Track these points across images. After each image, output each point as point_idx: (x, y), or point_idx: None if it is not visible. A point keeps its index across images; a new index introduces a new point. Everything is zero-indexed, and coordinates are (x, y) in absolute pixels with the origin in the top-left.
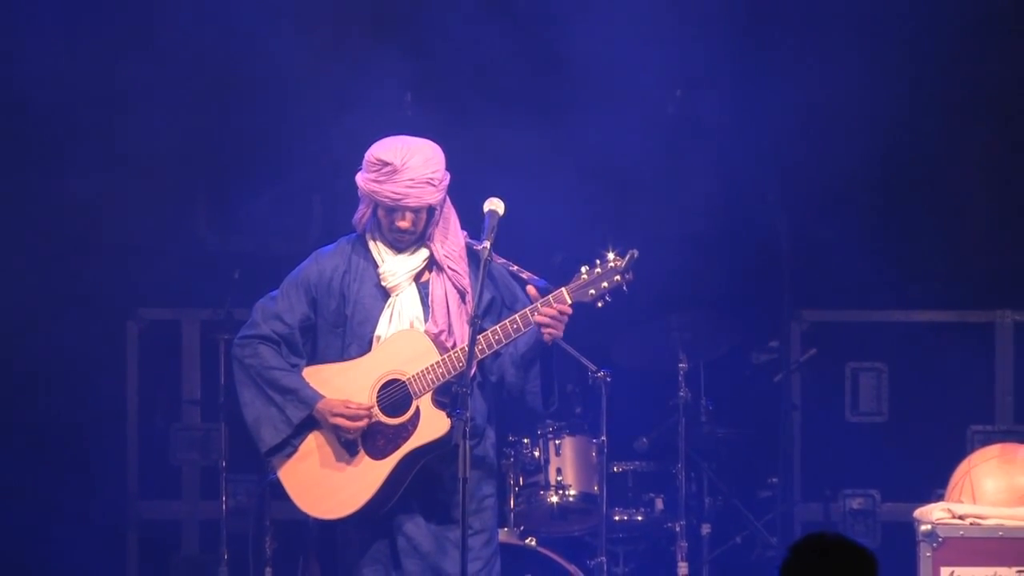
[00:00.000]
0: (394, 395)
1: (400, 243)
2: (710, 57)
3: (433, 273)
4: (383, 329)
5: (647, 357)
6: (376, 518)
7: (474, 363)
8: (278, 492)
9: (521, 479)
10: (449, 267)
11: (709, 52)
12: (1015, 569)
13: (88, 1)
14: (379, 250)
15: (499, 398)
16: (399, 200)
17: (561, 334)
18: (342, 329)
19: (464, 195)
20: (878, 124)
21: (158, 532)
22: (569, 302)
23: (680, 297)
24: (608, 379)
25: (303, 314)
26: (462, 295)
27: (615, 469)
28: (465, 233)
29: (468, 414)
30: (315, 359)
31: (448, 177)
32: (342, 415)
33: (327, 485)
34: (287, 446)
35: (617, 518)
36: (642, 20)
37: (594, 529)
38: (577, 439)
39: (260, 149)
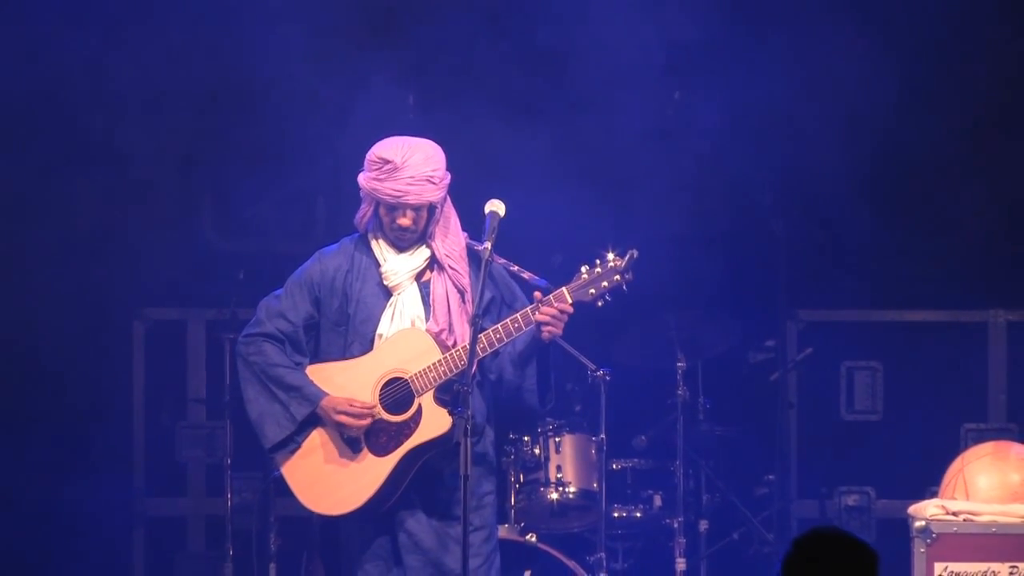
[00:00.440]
0: (396, 393)
1: (401, 241)
2: (707, 60)
3: (434, 272)
4: (385, 327)
5: (646, 356)
6: (378, 514)
7: (475, 361)
8: (282, 489)
9: (521, 476)
10: (450, 266)
11: (707, 55)
12: (1008, 565)
13: (94, 2)
14: (381, 249)
15: (498, 396)
16: (400, 197)
17: (561, 333)
18: (344, 328)
19: (465, 197)
20: (873, 126)
21: (164, 528)
22: (570, 301)
23: (678, 297)
24: (607, 378)
25: (307, 312)
26: (462, 294)
27: (614, 466)
28: (466, 234)
29: (469, 412)
30: (318, 357)
31: (448, 177)
32: (346, 413)
33: (330, 481)
34: (290, 443)
35: (616, 515)
36: (640, 24)
37: (593, 526)
38: (577, 437)
39: (264, 151)
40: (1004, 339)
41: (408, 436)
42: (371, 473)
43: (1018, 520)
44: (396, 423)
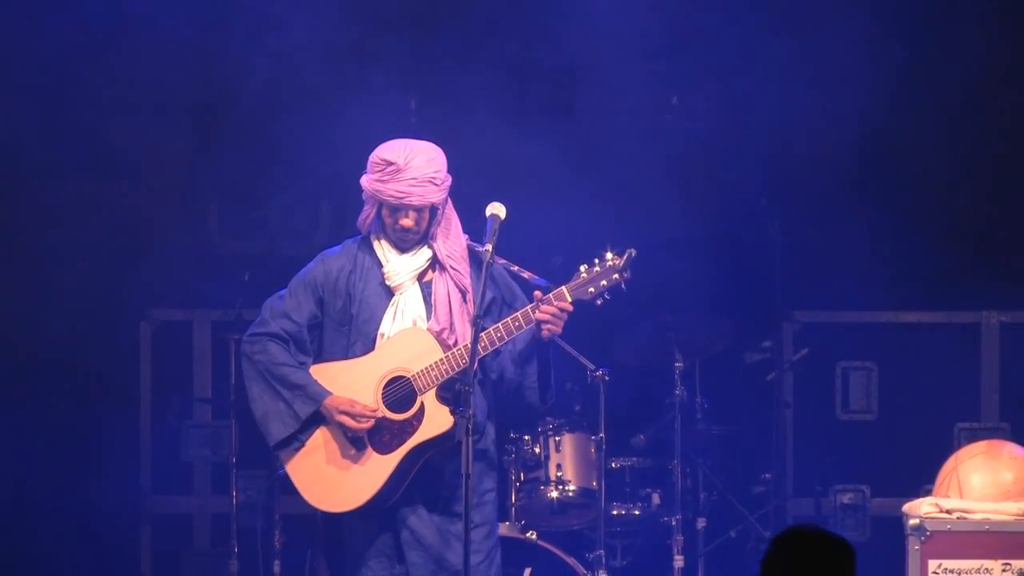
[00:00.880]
0: (399, 391)
1: (404, 242)
2: (706, 65)
3: (436, 273)
4: (387, 327)
5: (644, 356)
6: (381, 512)
7: (477, 360)
8: (287, 487)
9: (522, 474)
10: (451, 266)
11: (705, 60)
12: (1001, 562)
13: (102, 6)
14: (383, 250)
15: (499, 395)
16: (402, 199)
17: (560, 331)
18: (348, 327)
19: (466, 200)
20: (867, 129)
21: (170, 526)
22: (569, 299)
23: (676, 298)
24: (606, 378)
25: (310, 313)
26: (464, 294)
27: (613, 465)
28: (467, 236)
29: (470, 411)
30: (321, 357)
31: (450, 179)
32: (347, 413)
33: (334, 479)
34: (294, 440)
35: (615, 512)
36: (639, 29)
37: (593, 523)
38: (576, 436)
39: (269, 156)
40: (997, 340)
41: (410, 434)
42: (374, 471)
43: (1011, 518)
44: (398, 421)
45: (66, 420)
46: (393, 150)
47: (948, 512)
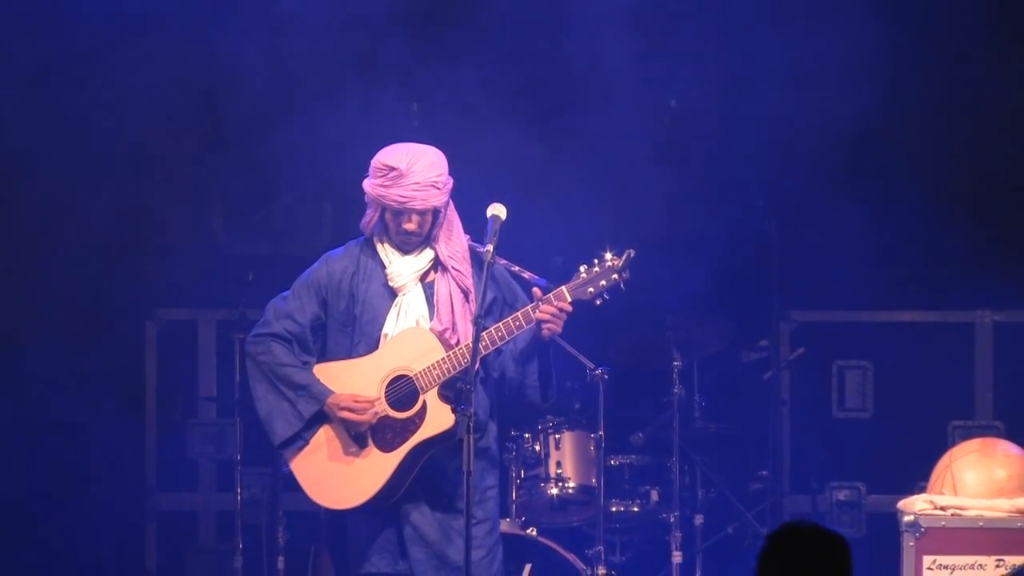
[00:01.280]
0: (402, 390)
1: (407, 245)
2: (703, 67)
3: (438, 273)
4: (390, 327)
5: (643, 355)
6: (384, 508)
7: (478, 359)
8: (291, 484)
9: (522, 472)
10: (453, 268)
11: (702, 62)
12: (995, 557)
13: (108, 6)
14: (386, 252)
15: (500, 393)
16: (405, 203)
17: (560, 330)
18: (351, 328)
19: (467, 201)
20: (863, 129)
21: (176, 522)
22: (569, 299)
23: (674, 298)
24: (606, 376)
25: (313, 313)
26: (466, 295)
27: (612, 462)
28: (468, 236)
29: (472, 409)
30: (325, 356)
31: (451, 181)
32: (350, 409)
33: (337, 477)
34: (298, 439)
35: (614, 509)
36: (638, 32)
37: (592, 520)
38: (576, 434)
39: (273, 158)
40: (990, 339)
41: (413, 432)
42: (377, 468)
43: (1004, 514)
44: (401, 420)
45: (73, 418)
46: (395, 155)
47: (942, 509)
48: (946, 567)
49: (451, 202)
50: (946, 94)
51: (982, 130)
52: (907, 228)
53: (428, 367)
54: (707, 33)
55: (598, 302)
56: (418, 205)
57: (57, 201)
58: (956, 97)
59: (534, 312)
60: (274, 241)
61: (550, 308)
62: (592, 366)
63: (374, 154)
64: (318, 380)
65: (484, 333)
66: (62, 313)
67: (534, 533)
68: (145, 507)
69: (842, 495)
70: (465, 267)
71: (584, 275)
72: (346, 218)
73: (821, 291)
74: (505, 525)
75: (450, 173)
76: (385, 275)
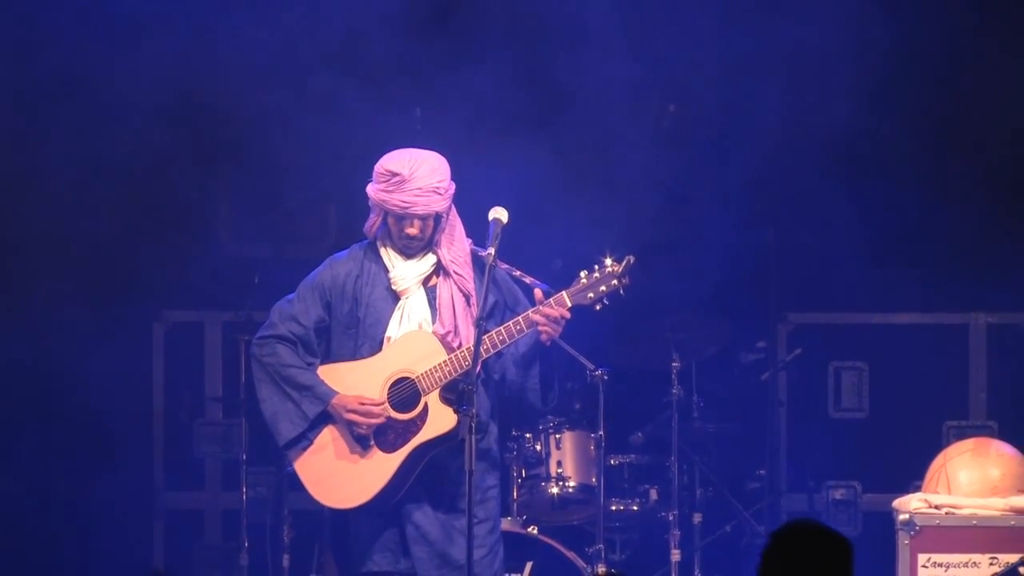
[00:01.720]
0: (404, 392)
1: (409, 249)
2: (701, 71)
3: (440, 278)
4: (393, 330)
5: (642, 356)
6: (387, 508)
7: (479, 362)
8: (295, 483)
9: (523, 471)
10: (455, 272)
11: (701, 67)
12: (988, 555)
13: (112, 7)
14: (389, 256)
15: (501, 395)
16: (408, 208)
17: (558, 335)
18: (355, 330)
19: (469, 205)
20: (859, 133)
21: (182, 521)
22: (569, 305)
23: (673, 300)
24: (605, 377)
25: (318, 316)
26: (467, 298)
27: (612, 462)
28: (470, 240)
29: (474, 410)
30: (329, 358)
31: (453, 187)
32: (355, 411)
33: (341, 476)
34: (303, 439)
35: (614, 508)
36: (637, 37)
37: (592, 518)
38: (576, 434)
39: (278, 162)
40: (984, 340)
41: (415, 433)
42: (380, 468)
43: (997, 513)
44: (403, 421)
45: (82, 418)
46: (398, 161)
47: (937, 508)
48: (941, 565)
49: (453, 207)
50: (941, 96)
51: (977, 133)
52: (902, 231)
53: (430, 369)
54: (707, 36)
55: (598, 307)
56: (420, 210)
57: (65, 204)
58: (950, 100)
59: (535, 316)
60: (279, 244)
61: (551, 313)
62: (592, 367)
63: (378, 159)
64: (322, 381)
65: (485, 336)
66: (72, 315)
67: (535, 531)
68: (153, 505)
69: (838, 494)
70: (467, 271)
71: (584, 281)
72: (350, 222)
73: (818, 293)
74: (506, 524)
75: (452, 178)
76: (388, 279)
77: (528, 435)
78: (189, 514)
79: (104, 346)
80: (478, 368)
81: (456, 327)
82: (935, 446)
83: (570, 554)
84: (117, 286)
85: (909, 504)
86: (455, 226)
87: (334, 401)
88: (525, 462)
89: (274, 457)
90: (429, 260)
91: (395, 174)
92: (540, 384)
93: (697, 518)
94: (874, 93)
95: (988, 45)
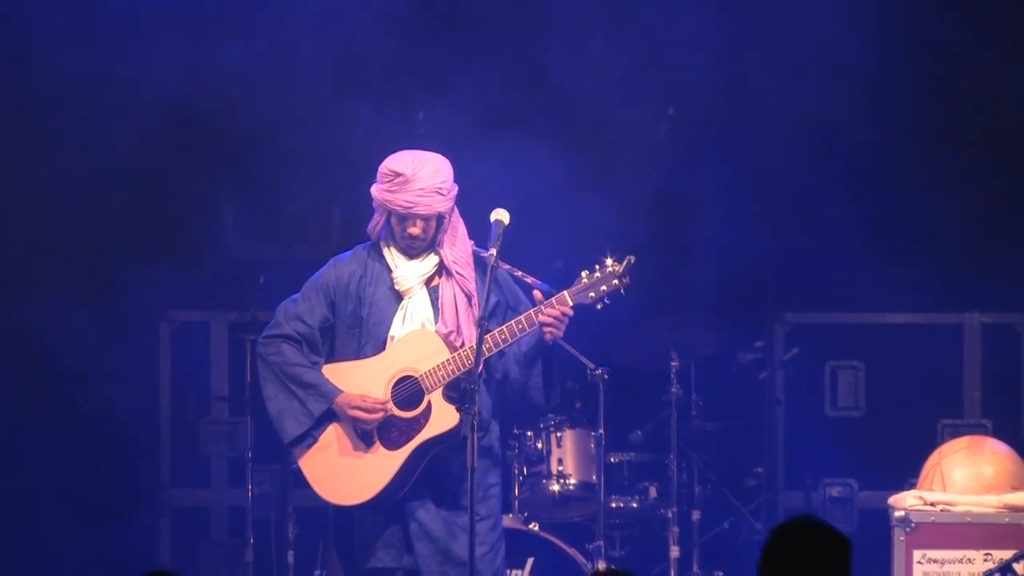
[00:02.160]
0: (407, 390)
1: (412, 249)
2: (699, 74)
3: (443, 278)
4: (396, 329)
5: (642, 356)
6: (390, 505)
7: (482, 361)
8: (300, 481)
9: (525, 469)
10: (457, 272)
11: (699, 69)
12: (982, 552)
13: (120, 12)
14: (393, 256)
15: (503, 394)
16: (410, 208)
17: (562, 334)
18: (358, 330)
19: (471, 206)
20: (854, 134)
21: (189, 517)
22: (571, 304)
23: (672, 300)
24: (605, 376)
25: (322, 315)
26: (469, 298)
27: (612, 460)
28: (472, 241)
29: (476, 409)
30: (333, 357)
31: (456, 188)
32: (359, 408)
33: (345, 474)
34: (308, 437)
35: (614, 505)
36: (637, 41)
37: (592, 515)
38: (577, 432)
39: (283, 164)
40: (978, 340)
41: (418, 431)
42: (383, 466)
43: (991, 510)
44: (407, 419)
45: (90, 416)
46: (401, 161)
47: (932, 505)
48: (935, 561)
49: (456, 208)
50: (935, 97)
51: (973, 135)
52: (898, 233)
53: (433, 368)
54: (705, 40)
55: (599, 306)
56: (422, 210)
57: (73, 204)
58: (945, 101)
59: (536, 316)
60: (284, 246)
61: (553, 312)
62: (593, 366)
63: (381, 162)
64: (327, 380)
65: (487, 335)
66: (80, 315)
67: (536, 528)
68: (160, 502)
69: (835, 491)
70: (468, 272)
71: (585, 280)
72: (354, 224)
73: (815, 294)
74: (508, 520)
75: (455, 180)
76: (391, 279)
77: (529, 433)
78: (195, 511)
79: (112, 345)
80: (480, 367)
81: (459, 326)
82: (930, 444)
83: (571, 550)
84: (125, 286)
85: (905, 501)
86: (457, 227)
87: (338, 399)
88: (526, 460)
89: (279, 455)
90: (432, 260)
91: (398, 174)
92: (543, 383)
93: (696, 515)
94: (871, 95)
95: (984, 50)
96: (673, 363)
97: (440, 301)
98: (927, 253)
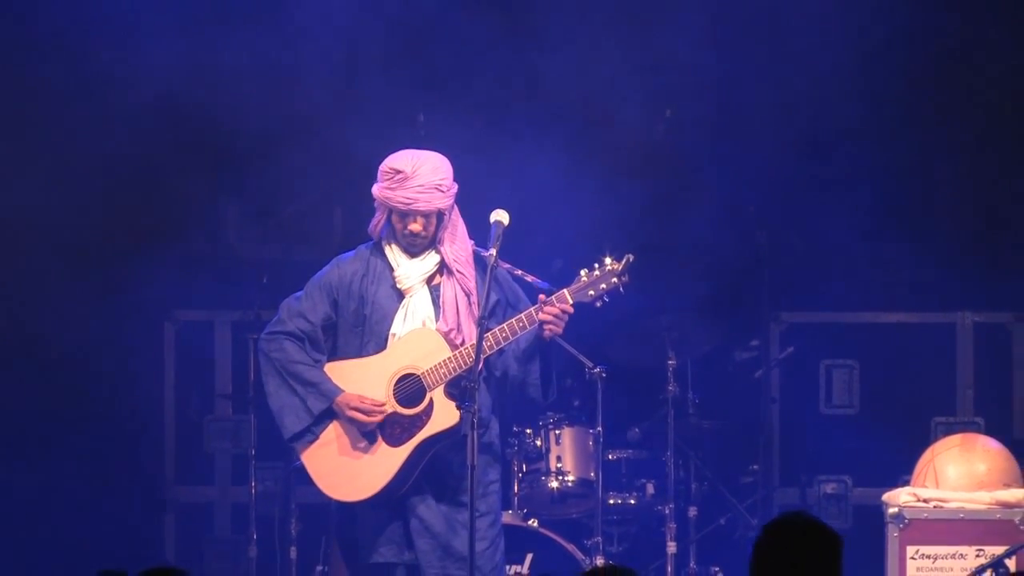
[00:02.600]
0: (409, 388)
1: (413, 247)
2: (697, 76)
3: (444, 277)
4: (398, 327)
5: (639, 354)
6: (392, 501)
7: (482, 359)
8: (303, 478)
9: (524, 466)
10: (458, 271)
11: (697, 71)
12: (975, 547)
13: (122, 17)
14: (394, 255)
15: (503, 391)
16: (410, 204)
17: (561, 331)
18: (360, 328)
19: (471, 207)
20: (849, 134)
21: (193, 514)
22: (570, 302)
23: (669, 300)
24: (603, 375)
25: (325, 314)
26: (469, 297)
27: (610, 457)
28: (472, 241)
29: (476, 407)
30: (336, 355)
31: (456, 186)
32: (357, 409)
33: (347, 470)
34: (307, 433)
35: (612, 502)
36: (635, 46)
37: (591, 512)
38: (575, 429)
39: (286, 165)
40: (971, 339)
41: (420, 428)
42: (385, 463)
43: (984, 507)
44: (408, 416)
45: (96, 414)
46: (401, 159)
47: (925, 501)
48: (928, 557)
49: (456, 207)
50: (931, 98)
51: (965, 135)
52: (891, 233)
53: (435, 366)
54: (704, 41)
55: (598, 304)
56: (422, 207)
57: (78, 205)
58: (940, 101)
59: (537, 314)
60: (287, 246)
61: (552, 310)
62: (591, 365)
63: (382, 161)
64: (328, 378)
65: (488, 334)
66: (85, 314)
67: (535, 524)
68: (164, 499)
69: (829, 488)
70: (468, 270)
71: (585, 279)
72: (356, 224)
73: (809, 293)
74: (507, 517)
75: (455, 179)
76: (393, 277)
77: (528, 431)
78: (199, 507)
79: (117, 344)
80: (480, 365)
81: (459, 325)
82: (923, 441)
83: (569, 546)
84: (129, 286)
85: (898, 498)
86: (457, 225)
87: (338, 399)
88: (526, 457)
89: (282, 452)
90: (433, 259)
91: (398, 171)
92: (541, 379)
93: (692, 511)
94: (864, 96)
95: (975, 48)
96: (670, 361)
97: (441, 299)
98: (920, 253)
